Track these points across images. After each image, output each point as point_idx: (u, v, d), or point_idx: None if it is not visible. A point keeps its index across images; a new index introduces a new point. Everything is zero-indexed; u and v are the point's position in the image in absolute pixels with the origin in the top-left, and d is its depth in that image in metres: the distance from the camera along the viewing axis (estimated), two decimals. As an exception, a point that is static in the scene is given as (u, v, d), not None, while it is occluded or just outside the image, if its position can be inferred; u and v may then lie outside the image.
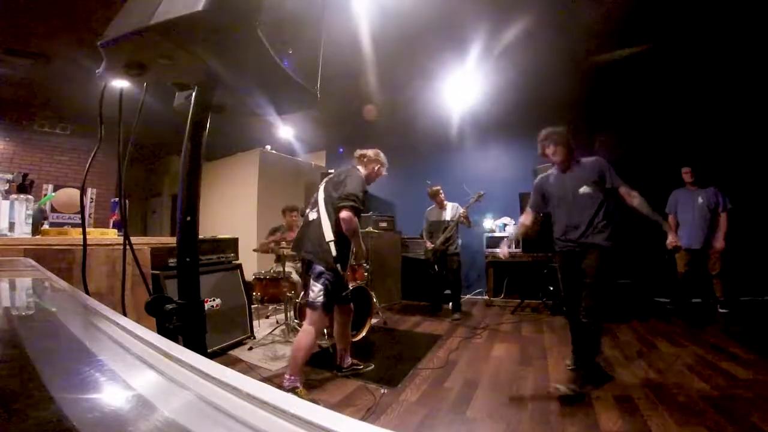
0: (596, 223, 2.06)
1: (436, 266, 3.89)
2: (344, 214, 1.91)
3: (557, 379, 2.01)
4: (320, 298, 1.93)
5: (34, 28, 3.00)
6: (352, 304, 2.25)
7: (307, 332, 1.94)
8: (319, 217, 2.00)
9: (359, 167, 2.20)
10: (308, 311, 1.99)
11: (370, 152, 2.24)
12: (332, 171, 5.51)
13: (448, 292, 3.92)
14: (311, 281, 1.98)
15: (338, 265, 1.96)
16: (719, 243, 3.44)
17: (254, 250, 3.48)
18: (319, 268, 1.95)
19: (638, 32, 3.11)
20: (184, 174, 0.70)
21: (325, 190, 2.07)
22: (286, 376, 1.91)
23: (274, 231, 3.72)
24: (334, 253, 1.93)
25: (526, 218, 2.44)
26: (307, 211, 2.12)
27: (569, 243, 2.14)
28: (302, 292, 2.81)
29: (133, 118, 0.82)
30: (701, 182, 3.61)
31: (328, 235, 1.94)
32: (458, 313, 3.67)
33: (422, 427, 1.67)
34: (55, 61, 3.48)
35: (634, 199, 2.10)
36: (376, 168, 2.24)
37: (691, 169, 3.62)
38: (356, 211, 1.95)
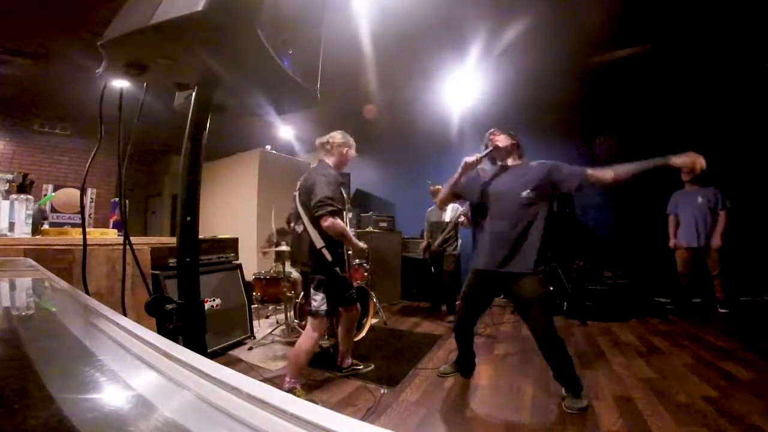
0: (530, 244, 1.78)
1: (432, 267, 3.90)
2: (325, 223, 1.85)
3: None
4: (323, 307, 1.93)
5: (34, 28, 3.00)
6: (358, 305, 2.23)
7: (308, 337, 1.94)
8: (305, 228, 1.96)
9: (325, 158, 2.08)
10: (311, 319, 1.98)
11: (335, 137, 2.08)
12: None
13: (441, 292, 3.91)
14: (312, 290, 1.97)
15: (337, 269, 1.95)
16: (716, 241, 3.46)
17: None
18: (318, 276, 1.95)
19: (638, 33, 3.10)
20: (184, 174, 0.70)
21: (300, 199, 2.00)
22: (287, 379, 1.93)
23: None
24: (329, 258, 1.92)
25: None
26: (293, 225, 2.09)
27: (500, 262, 1.82)
28: (302, 295, 2.77)
29: (133, 118, 0.82)
30: (701, 182, 3.62)
31: (318, 242, 1.91)
32: (453, 315, 3.66)
33: (422, 427, 1.67)
34: (55, 61, 3.48)
35: (608, 172, 1.67)
36: (345, 151, 2.10)
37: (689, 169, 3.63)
38: (334, 214, 1.86)
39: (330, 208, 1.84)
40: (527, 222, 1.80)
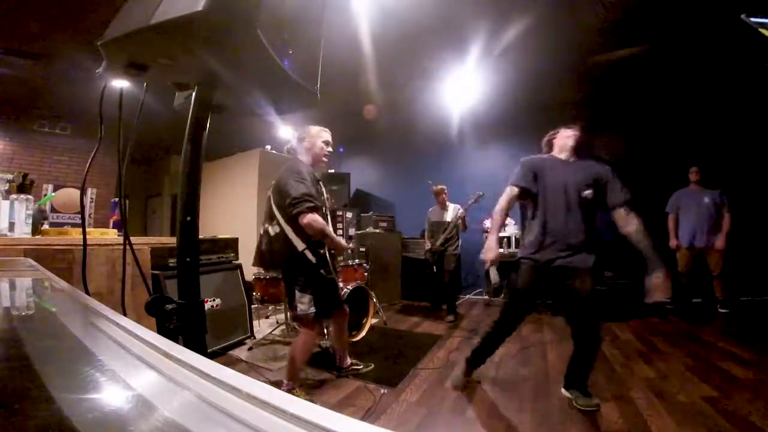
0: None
1: (434, 267, 3.90)
2: (303, 220, 1.74)
3: (557, 379, 2.01)
4: (311, 309, 1.84)
5: (34, 28, 3.00)
6: (346, 306, 2.21)
7: (302, 341, 1.89)
8: (282, 230, 1.84)
9: (299, 155, 2.00)
10: (301, 324, 1.91)
11: (308, 131, 2.00)
12: (332, 171, 5.56)
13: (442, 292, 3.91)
14: (297, 294, 1.87)
15: (322, 271, 1.88)
16: (720, 242, 3.46)
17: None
18: (303, 278, 1.86)
19: (639, 32, 3.10)
20: (184, 174, 0.70)
21: (275, 200, 1.88)
22: (284, 382, 1.90)
23: None
24: (313, 260, 1.83)
25: (509, 201, 1.89)
26: (266, 225, 1.94)
27: (559, 256, 1.78)
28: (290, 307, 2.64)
29: (133, 118, 0.82)
30: (705, 183, 3.63)
31: (299, 245, 1.81)
32: (453, 315, 3.66)
33: (422, 427, 1.67)
34: (55, 61, 3.48)
35: (632, 226, 1.75)
36: (319, 144, 1.98)
37: (698, 169, 3.65)
38: (312, 210, 1.76)
39: (308, 204, 1.74)
40: (588, 218, 1.78)
